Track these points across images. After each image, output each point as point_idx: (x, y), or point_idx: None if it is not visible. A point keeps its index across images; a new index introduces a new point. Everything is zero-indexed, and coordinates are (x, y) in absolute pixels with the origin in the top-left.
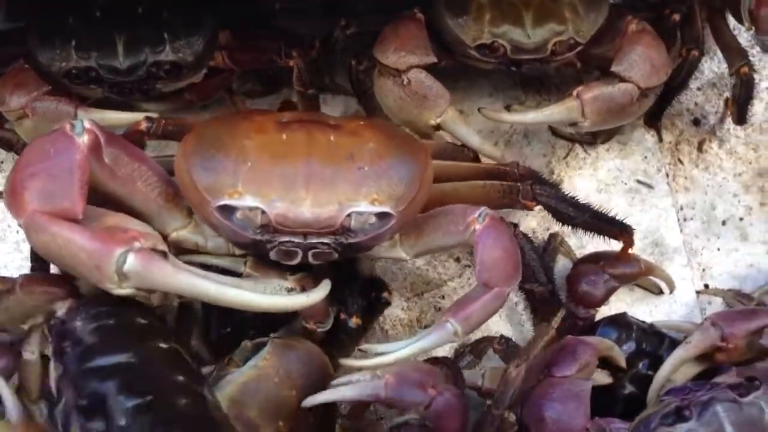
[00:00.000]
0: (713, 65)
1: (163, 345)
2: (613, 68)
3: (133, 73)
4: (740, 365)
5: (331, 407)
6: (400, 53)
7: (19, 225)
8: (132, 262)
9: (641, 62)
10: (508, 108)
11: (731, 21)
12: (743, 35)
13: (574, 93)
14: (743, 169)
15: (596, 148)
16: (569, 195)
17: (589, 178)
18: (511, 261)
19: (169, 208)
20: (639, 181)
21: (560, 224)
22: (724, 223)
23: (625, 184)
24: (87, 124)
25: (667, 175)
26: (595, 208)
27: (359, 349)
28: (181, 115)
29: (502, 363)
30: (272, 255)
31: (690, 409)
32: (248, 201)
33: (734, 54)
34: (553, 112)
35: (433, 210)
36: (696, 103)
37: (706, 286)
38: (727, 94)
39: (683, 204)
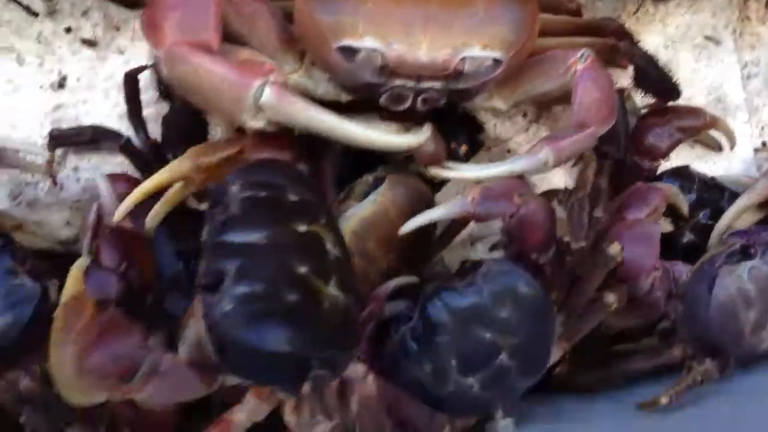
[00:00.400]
0: None
1: (302, 228)
2: None
3: None
4: None
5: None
6: None
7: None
8: (268, 95)
9: None
10: None
11: None
12: None
13: None
14: None
15: (666, 4)
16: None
17: (658, 34)
18: (609, 103)
19: (283, 51)
20: (707, 37)
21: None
22: None
23: (693, 39)
24: None
25: (734, 31)
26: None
27: (447, 167)
28: None
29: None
30: (383, 99)
31: (755, 247)
32: (368, 42)
33: None
34: None
35: (532, 58)
36: None
37: (764, 144)
38: None
39: (748, 61)
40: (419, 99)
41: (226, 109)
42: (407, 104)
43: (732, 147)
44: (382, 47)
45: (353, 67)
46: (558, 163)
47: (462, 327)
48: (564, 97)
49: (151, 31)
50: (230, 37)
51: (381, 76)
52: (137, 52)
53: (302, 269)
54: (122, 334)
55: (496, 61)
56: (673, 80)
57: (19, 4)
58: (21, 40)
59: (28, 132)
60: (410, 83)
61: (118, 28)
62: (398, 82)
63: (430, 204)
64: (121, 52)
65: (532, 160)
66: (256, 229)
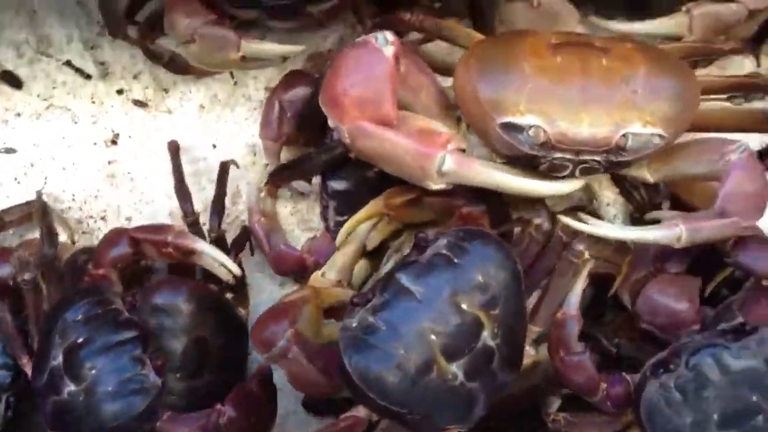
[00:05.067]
0: None
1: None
2: None
3: None
4: None
5: None
6: None
7: (335, 130)
8: (450, 163)
9: None
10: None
11: None
12: None
13: (684, 8)
14: None
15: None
16: None
17: None
18: (758, 199)
19: (442, 117)
20: (734, 102)
21: None
22: None
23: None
24: (389, 37)
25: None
26: None
27: (584, 219)
28: (302, 34)
29: None
30: (542, 168)
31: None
32: (530, 120)
33: None
34: (662, 24)
35: (688, 139)
36: None
37: None
38: None
39: None
40: (578, 168)
41: (411, 176)
42: (566, 173)
43: None
44: (544, 124)
45: (515, 142)
46: (690, 243)
47: (732, 386)
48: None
49: (332, 107)
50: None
51: (542, 149)
52: (185, 113)
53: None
54: None
55: (658, 137)
56: None
57: (73, 67)
58: (75, 100)
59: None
60: (569, 156)
61: (167, 90)
62: (558, 155)
63: None
64: (170, 112)
65: (666, 233)
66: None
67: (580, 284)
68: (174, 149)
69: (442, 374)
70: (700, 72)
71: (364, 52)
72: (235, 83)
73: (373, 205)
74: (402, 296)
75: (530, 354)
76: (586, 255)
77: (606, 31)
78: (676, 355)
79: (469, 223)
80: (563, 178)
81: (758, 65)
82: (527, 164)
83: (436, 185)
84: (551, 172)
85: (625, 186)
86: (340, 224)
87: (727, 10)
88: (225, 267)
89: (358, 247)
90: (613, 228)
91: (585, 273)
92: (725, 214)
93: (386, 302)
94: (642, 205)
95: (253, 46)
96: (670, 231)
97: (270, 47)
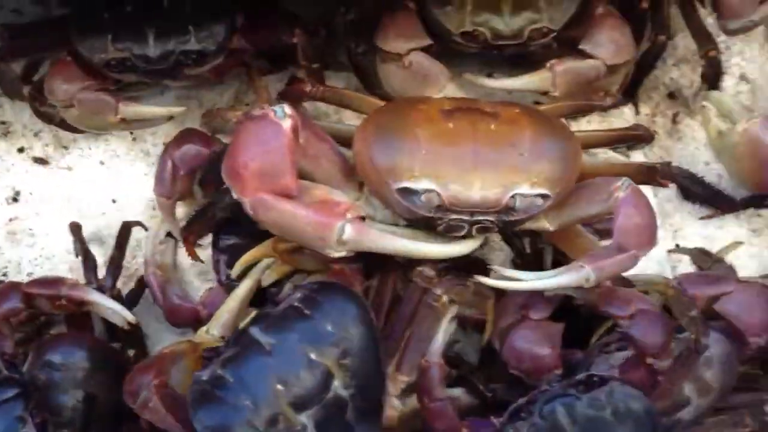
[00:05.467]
0: (688, 42)
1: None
2: (581, 46)
3: (164, 62)
4: None
5: None
6: (399, 39)
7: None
8: (349, 232)
9: (606, 42)
10: (490, 75)
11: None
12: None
13: (548, 65)
14: None
15: (578, 120)
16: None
17: None
18: (649, 229)
19: (344, 183)
20: (617, 151)
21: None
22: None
23: (606, 153)
24: (287, 110)
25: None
26: (713, 186)
27: (490, 268)
28: (200, 90)
29: None
30: (440, 229)
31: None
32: (425, 184)
33: (703, 38)
34: (529, 81)
35: (577, 185)
36: (671, 78)
37: (677, 245)
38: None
39: None
40: (474, 228)
41: (313, 245)
42: (463, 233)
43: None
44: (437, 188)
45: (412, 206)
46: (599, 281)
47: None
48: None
49: (234, 180)
50: (299, 174)
51: (437, 211)
52: (85, 169)
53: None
54: None
55: (544, 196)
56: (721, 190)
57: None
58: None
59: None
60: (464, 217)
61: (66, 147)
62: (454, 216)
63: None
64: (70, 168)
65: (574, 276)
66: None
67: (442, 330)
68: (75, 228)
69: (290, 425)
70: (582, 123)
71: (262, 126)
72: (134, 139)
73: (264, 246)
74: (252, 348)
75: (395, 405)
76: (444, 299)
77: (479, 87)
78: (532, 403)
79: (339, 279)
80: (462, 237)
81: (637, 113)
82: (427, 225)
83: (338, 253)
84: (449, 233)
85: (507, 233)
86: (230, 278)
87: (586, 66)
88: (119, 314)
89: (246, 295)
90: (529, 280)
91: (447, 318)
92: (622, 249)
93: (236, 355)
94: (522, 251)
95: (131, 109)
96: (579, 273)
97: (148, 110)
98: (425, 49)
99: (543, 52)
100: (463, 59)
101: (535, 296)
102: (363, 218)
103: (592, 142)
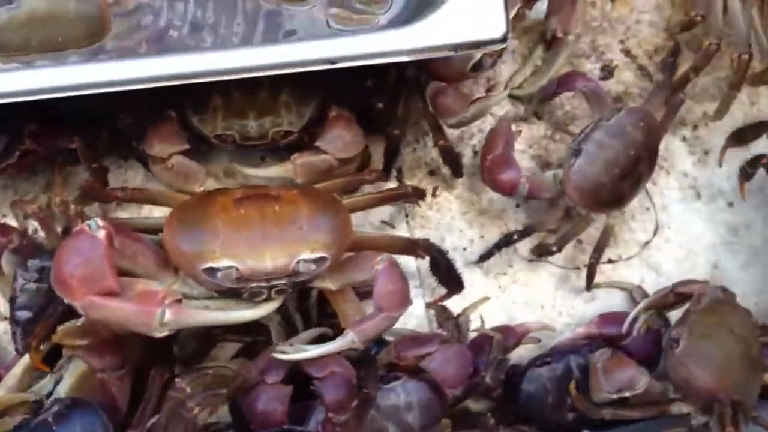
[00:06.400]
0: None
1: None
2: (316, 143)
3: None
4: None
5: None
6: (162, 145)
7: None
8: (168, 315)
9: (335, 140)
10: (263, 159)
11: None
12: None
13: (292, 158)
14: (467, 209)
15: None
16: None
17: None
18: (401, 294)
19: (161, 272)
20: (383, 222)
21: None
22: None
23: (372, 224)
24: (100, 223)
25: (407, 215)
26: (454, 268)
27: (275, 344)
28: (15, 180)
29: None
30: (245, 296)
31: None
32: (225, 262)
33: (435, 131)
34: (277, 171)
35: (354, 253)
36: (432, 158)
37: (427, 303)
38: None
39: (419, 237)
40: (272, 291)
41: (140, 331)
42: (264, 297)
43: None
44: (236, 264)
45: (217, 281)
46: (365, 341)
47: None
48: None
49: (63, 289)
50: (120, 271)
51: (239, 283)
52: None
53: None
54: None
55: (323, 259)
56: (458, 274)
57: None
58: None
59: None
60: (262, 284)
61: None
62: (253, 284)
63: None
64: None
65: (342, 342)
66: None
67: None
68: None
69: None
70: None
71: (80, 239)
72: None
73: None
74: None
75: None
76: (188, 390)
77: (241, 174)
78: None
79: (102, 387)
80: (264, 300)
81: (400, 182)
82: (234, 295)
83: (163, 333)
84: (253, 298)
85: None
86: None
87: (319, 160)
88: None
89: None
90: (303, 350)
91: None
92: (380, 311)
93: None
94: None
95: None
96: (346, 338)
97: None
98: (187, 152)
99: (295, 145)
100: (243, 150)
101: (273, 363)
102: (180, 300)
103: (362, 205)
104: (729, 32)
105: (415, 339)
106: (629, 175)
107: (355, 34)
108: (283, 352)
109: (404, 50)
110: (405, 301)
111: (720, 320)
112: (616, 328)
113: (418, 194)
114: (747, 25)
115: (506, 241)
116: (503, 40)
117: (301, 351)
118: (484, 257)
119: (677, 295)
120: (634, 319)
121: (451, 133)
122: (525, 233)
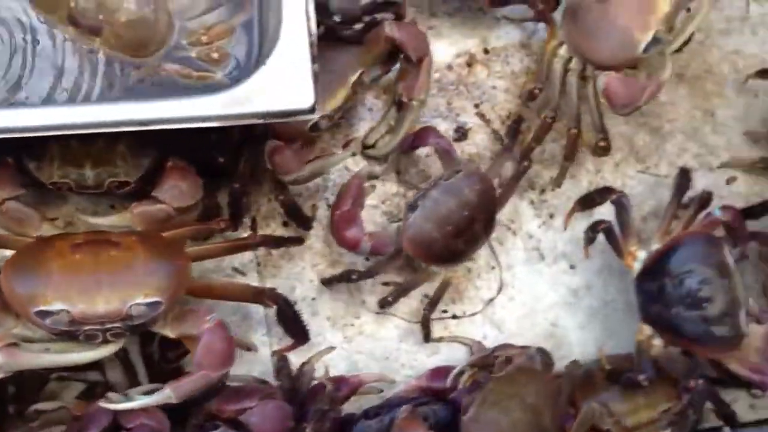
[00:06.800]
0: None
1: None
2: (153, 193)
3: None
4: None
5: None
6: None
7: None
8: (2, 359)
9: (172, 189)
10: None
11: None
12: None
13: (130, 207)
14: (318, 260)
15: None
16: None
17: (195, 267)
18: (223, 356)
19: (3, 316)
20: (234, 269)
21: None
22: (296, 302)
23: (224, 270)
24: None
25: (259, 264)
26: (300, 320)
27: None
28: None
29: None
30: (80, 338)
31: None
32: (57, 306)
33: (275, 186)
34: (116, 219)
35: (190, 307)
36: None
37: (278, 350)
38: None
39: (270, 286)
40: (108, 334)
41: None
42: (100, 340)
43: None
44: (68, 308)
45: (51, 324)
46: (182, 397)
47: None
48: None
49: None
50: None
51: (73, 326)
52: None
53: None
54: None
55: (157, 303)
56: (304, 326)
57: None
58: None
59: None
60: (96, 327)
61: None
62: (87, 328)
63: None
64: None
65: (159, 397)
66: None
67: None
68: None
69: None
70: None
71: None
72: None
73: None
74: None
75: None
76: None
77: (87, 223)
78: None
79: None
80: (101, 343)
81: (253, 231)
82: (71, 338)
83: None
84: (90, 341)
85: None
86: None
87: (156, 209)
88: None
89: None
90: (126, 401)
91: None
92: (200, 369)
93: None
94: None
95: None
96: (163, 393)
97: None
98: (37, 195)
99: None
100: (91, 197)
101: (97, 413)
102: (16, 344)
103: (220, 251)
104: (565, 106)
105: (238, 392)
106: (463, 234)
107: (167, 98)
108: (110, 401)
109: (213, 116)
110: (226, 362)
111: (515, 389)
112: (444, 382)
113: (268, 243)
114: (577, 102)
115: (347, 275)
116: (311, 110)
117: (124, 401)
118: (326, 282)
119: (496, 357)
120: (460, 373)
121: (307, 186)
122: (367, 274)
